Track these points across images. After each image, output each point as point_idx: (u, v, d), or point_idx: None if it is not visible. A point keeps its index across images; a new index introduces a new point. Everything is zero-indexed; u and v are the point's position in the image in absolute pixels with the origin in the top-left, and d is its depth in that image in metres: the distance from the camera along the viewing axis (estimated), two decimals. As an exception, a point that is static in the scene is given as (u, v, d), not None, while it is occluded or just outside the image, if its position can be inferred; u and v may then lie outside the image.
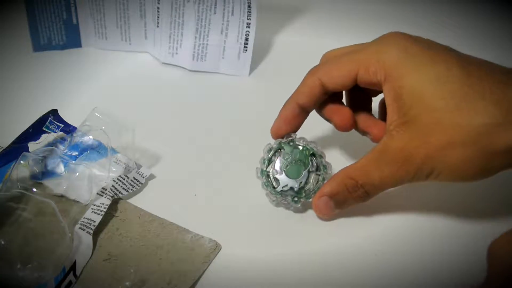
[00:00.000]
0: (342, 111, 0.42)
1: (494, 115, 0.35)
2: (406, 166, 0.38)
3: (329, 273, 0.39)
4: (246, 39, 0.55)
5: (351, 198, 0.40)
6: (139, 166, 0.44)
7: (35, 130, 0.45)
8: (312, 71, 0.42)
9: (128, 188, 0.42)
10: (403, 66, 0.38)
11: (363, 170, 0.39)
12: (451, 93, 0.36)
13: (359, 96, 0.44)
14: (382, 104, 0.43)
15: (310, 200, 0.42)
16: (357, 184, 0.39)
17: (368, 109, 0.44)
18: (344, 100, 0.44)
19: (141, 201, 0.43)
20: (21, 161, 0.41)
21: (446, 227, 0.42)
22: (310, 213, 0.42)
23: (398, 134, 0.38)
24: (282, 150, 0.42)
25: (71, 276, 0.37)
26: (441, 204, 0.43)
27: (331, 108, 0.43)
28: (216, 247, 0.39)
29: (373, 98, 0.45)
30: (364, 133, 0.43)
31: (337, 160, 0.45)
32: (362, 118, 0.43)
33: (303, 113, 0.43)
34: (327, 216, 0.42)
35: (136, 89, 0.55)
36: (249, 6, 0.54)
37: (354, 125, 0.43)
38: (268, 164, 0.42)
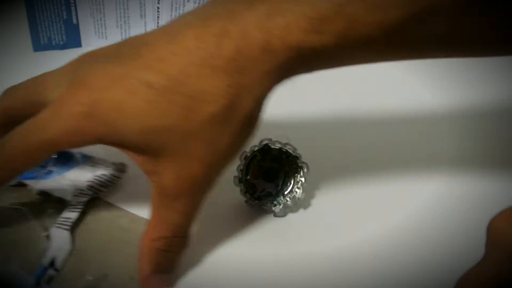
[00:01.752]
0: None
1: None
2: (195, 191, 0.35)
3: (329, 274, 0.38)
4: (244, 38, 0.55)
5: (173, 253, 0.36)
6: (116, 163, 0.43)
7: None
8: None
9: (107, 185, 0.42)
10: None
11: (159, 222, 0.35)
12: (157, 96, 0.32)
13: None
14: None
15: (289, 202, 0.41)
16: (168, 239, 0.35)
17: None
18: None
19: (121, 198, 0.42)
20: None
21: (447, 229, 0.41)
22: (310, 214, 0.42)
23: (165, 169, 0.34)
24: (256, 155, 0.42)
25: (51, 271, 0.37)
26: (442, 205, 0.43)
27: None
28: None
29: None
30: None
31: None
32: None
33: None
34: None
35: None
36: (246, 4, 0.53)
37: None
38: (246, 172, 0.41)
